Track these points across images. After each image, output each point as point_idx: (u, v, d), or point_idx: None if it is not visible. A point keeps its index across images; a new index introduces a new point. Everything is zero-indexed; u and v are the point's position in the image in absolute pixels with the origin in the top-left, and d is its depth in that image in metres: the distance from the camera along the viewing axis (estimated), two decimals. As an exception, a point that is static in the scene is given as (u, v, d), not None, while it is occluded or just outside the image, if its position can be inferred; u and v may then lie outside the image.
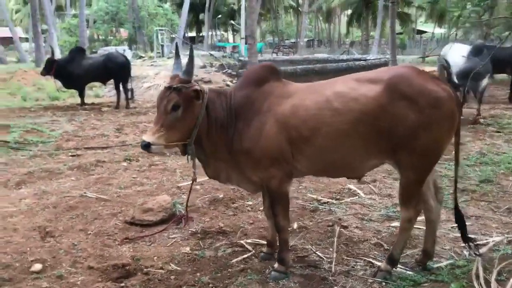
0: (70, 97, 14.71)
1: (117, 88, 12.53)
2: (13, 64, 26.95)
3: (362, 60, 20.74)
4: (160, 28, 28.01)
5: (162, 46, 26.33)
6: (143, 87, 15.91)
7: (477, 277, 3.21)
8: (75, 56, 12.46)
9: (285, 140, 3.22)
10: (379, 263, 3.61)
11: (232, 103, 3.37)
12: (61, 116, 11.21)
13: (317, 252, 3.86)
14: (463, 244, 3.90)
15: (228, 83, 15.69)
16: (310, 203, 4.94)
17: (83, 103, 12.71)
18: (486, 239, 4.01)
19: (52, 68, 12.09)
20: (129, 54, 27.61)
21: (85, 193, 5.40)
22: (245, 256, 3.82)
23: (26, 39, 49.43)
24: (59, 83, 12.68)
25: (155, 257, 3.82)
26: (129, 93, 12.86)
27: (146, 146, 3.15)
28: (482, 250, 3.78)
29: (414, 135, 3.05)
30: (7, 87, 16.63)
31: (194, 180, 3.61)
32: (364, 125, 3.08)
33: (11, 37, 32.77)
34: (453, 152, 3.46)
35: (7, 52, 37.07)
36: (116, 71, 12.23)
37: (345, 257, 3.79)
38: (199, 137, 3.33)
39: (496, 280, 3.16)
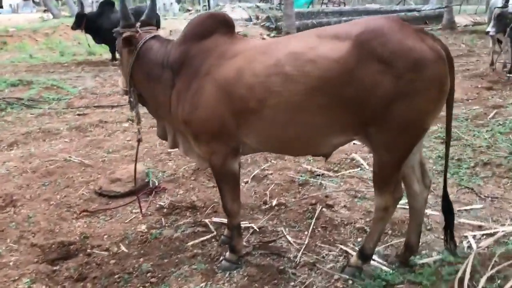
0: (106, 52, 14.54)
1: (146, 42, 12.13)
2: (65, 18, 27.30)
3: (415, 10, 19.21)
4: (207, -21, 27.24)
5: (209, -2, 25.66)
6: (178, 41, 15.52)
7: (462, 282, 2.59)
8: (104, 10, 12.15)
9: (228, 111, 2.66)
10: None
11: (169, 58, 2.86)
12: (88, 72, 11.07)
13: (287, 236, 3.35)
14: (464, 234, 3.29)
15: (265, 37, 14.94)
16: (301, 176, 4.38)
17: (114, 58, 12.47)
18: (495, 228, 3.33)
19: (82, 22, 11.88)
20: (176, 7, 27.32)
21: (70, 157, 5.11)
22: (204, 238, 3.37)
23: (83, -7, 49.95)
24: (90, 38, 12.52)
25: (106, 236, 3.45)
26: (159, 47, 12.48)
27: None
28: (484, 243, 3.13)
29: (388, 107, 2.39)
30: (48, 41, 16.76)
31: (138, 140, 3.22)
32: (324, 94, 2.45)
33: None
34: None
35: (62, 7, 37.69)
36: (145, 25, 11.79)
37: (319, 244, 3.26)
38: (138, 89, 3.09)
39: (484, 288, 2.54)
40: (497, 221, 3.47)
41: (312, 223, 3.49)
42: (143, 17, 3.10)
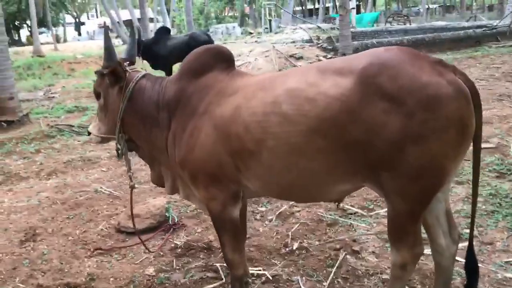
0: (165, 77, 14.84)
1: (200, 67, 12.25)
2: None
3: (485, 27, 18.12)
4: (268, 2, 27.38)
5: (270, 21, 25.73)
6: (234, 65, 15.57)
7: None
8: (161, 36, 12.40)
9: (226, 152, 2.42)
10: (375, 312, 2.70)
11: (165, 97, 2.67)
12: (143, 98, 11.25)
13: (302, 287, 3.03)
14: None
15: (321, 58, 14.61)
16: (331, 215, 4.02)
17: (169, 84, 12.67)
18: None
19: (139, 49, 12.18)
20: (238, 31, 27.68)
21: (101, 187, 5.07)
22: (211, 286, 3.11)
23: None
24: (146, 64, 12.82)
25: (112, 278, 3.28)
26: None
27: (88, 135, 3.05)
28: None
29: (399, 150, 2.05)
30: (113, 67, 17.39)
31: (131, 187, 3.03)
32: (325, 137, 2.15)
33: (139, 18, 34.59)
34: None
35: (134, 33, 39.40)
36: (199, 51, 11.92)
37: (336, 298, 2.91)
38: (130, 133, 2.84)
39: None
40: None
41: (333, 272, 3.14)
42: (124, 56, 2.89)
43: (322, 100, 2.15)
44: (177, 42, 12.36)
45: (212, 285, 3.12)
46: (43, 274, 3.39)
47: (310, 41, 20.77)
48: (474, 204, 2.40)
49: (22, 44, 38.67)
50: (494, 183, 4.36)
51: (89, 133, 3.00)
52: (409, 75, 2.05)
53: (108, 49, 2.73)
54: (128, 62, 2.83)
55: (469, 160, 5.06)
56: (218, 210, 2.57)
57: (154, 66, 12.93)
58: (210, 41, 12.24)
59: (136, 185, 3.37)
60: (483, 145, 5.44)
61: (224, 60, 2.64)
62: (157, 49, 12.17)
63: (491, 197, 4.09)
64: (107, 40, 2.73)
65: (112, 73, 2.71)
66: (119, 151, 2.85)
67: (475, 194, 2.39)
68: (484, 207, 3.93)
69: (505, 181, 4.45)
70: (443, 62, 2.19)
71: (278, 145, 2.25)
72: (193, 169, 2.53)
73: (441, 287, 2.50)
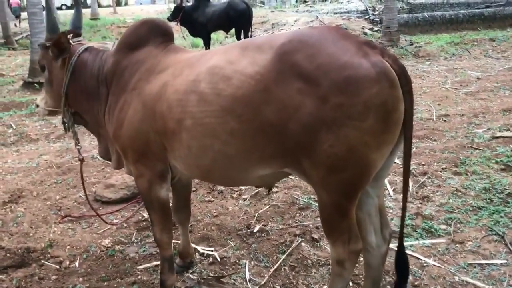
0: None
1: (237, 36, 12.11)
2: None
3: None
4: (325, -31, 26.44)
5: (326, -11, 24.94)
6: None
7: None
8: (200, 3, 12.32)
9: (152, 131, 2.35)
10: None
11: (103, 70, 2.62)
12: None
13: (247, 272, 2.93)
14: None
15: (367, 31, 14.00)
16: (305, 199, 3.87)
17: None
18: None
19: (178, 15, 12.18)
20: (293, -1, 27.04)
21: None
22: (159, 263, 3.09)
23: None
24: (186, 31, 12.83)
25: (69, 246, 3.34)
26: (251, 42, 12.37)
27: (37, 107, 3.00)
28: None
29: (313, 137, 1.89)
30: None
31: (80, 160, 3.03)
32: (238, 119, 2.01)
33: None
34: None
35: (192, -2, 39.62)
36: (237, 19, 11.75)
37: (278, 286, 2.81)
38: (75, 107, 2.79)
39: None
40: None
41: (281, 259, 3.04)
42: (70, 28, 2.84)
43: (237, 79, 2.01)
44: (215, 10, 12.24)
45: (158, 262, 3.09)
46: (10, 236, 3.50)
47: (365, 11, 19.99)
48: (404, 199, 2.21)
49: (86, 6, 39.84)
50: (494, 177, 4.03)
51: (37, 106, 2.97)
52: (328, 54, 1.88)
53: (51, 21, 2.70)
54: (72, 34, 2.77)
55: (479, 149, 4.73)
56: (144, 187, 2.52)
57: (193, 34, 12.93)
58: (248, 9, 12.04)
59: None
60: (500, 134, 5.09)
61: (160, 34, 2.54)
62: (196, 16, 12.11)
63: (484, 191, 3.79)
64: (49, 12, 2.70)
65: (55, 45, 2.63)
66: (66, 125, 2.82)
67: (405, 191, 2.19)
68: (472, 202, 3.65)
69: (509, 175, 4.10)
70: (372, 43, 1.99)
71: (194, 125, 2.15)
72: (123, 144, 2.49)
73: (371, 287, 2.34)
